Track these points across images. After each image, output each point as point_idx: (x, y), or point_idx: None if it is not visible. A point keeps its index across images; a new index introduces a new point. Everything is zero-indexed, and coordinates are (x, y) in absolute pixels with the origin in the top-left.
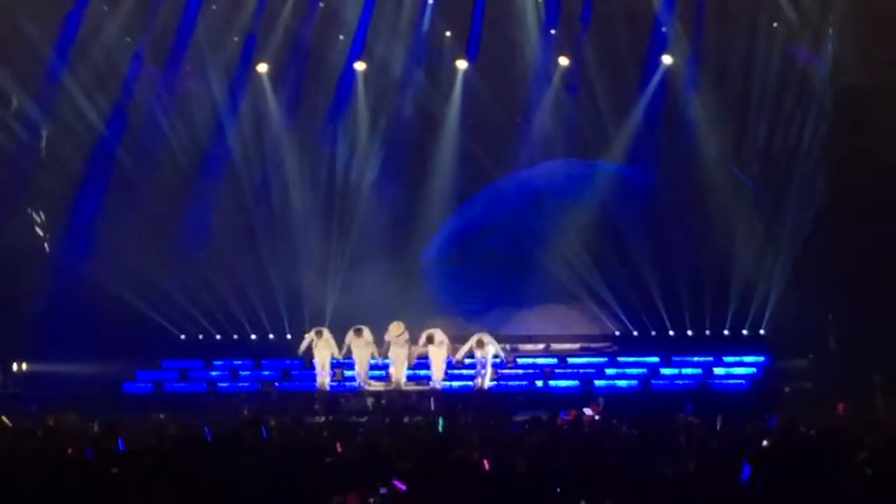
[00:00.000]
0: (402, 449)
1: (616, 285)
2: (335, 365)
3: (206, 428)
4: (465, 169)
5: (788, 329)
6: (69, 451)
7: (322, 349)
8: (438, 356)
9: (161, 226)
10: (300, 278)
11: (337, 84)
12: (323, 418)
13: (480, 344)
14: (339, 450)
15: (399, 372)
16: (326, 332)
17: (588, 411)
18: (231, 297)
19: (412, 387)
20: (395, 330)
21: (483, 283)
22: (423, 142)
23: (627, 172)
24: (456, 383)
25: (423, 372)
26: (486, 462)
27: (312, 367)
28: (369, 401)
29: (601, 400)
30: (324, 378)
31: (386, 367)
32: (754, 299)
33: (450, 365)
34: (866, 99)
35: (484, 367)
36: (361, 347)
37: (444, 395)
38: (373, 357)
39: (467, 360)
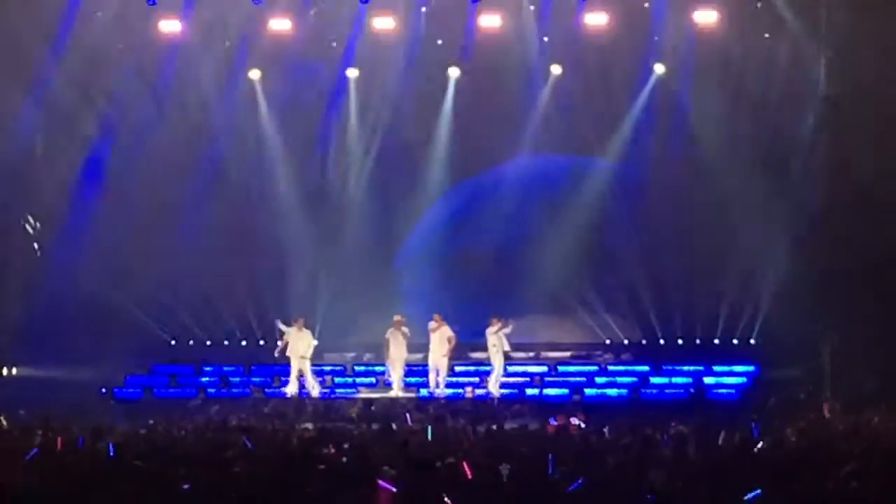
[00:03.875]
0: (391, 456)
1: (606, 293)
2: (319, 373)
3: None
4: (457, 176)
5: (779, 338)
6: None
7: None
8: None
9: (152, 231)
10: (291, 284)
11: (329, 91)
12: (312, 425)
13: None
14: (331, 456)
15: (397, 376)
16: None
17: (574, 420)
18: (222, 303)
19: (405, 394)
20: (397, 318)
21: (468, 289)
22: (414, 149)
23: (613, 170)
24: (448, 390)
25: (412, 379)
26: (467, 469)
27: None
28: (358, 408)
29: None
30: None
31: (375, 373)
32: (745, 308)
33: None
34: (859, 108)
35: (498, 373)
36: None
37: (433, 402)
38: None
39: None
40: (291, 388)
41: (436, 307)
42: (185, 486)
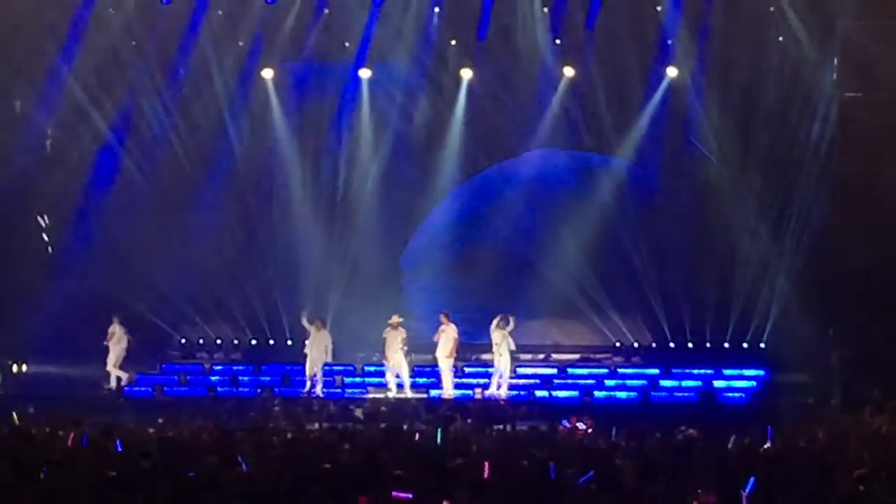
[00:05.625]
0: (399, 457)
1: (615, 294)
2: (329, 373)
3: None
4: (469, 176)
5: (789, 343)
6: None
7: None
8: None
9: (164, 229)
10: (301, 283)
11: (341, 90)
12: (319, 425)
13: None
14: (339, 456)
15: (402, 377)
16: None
17: (581, 424)
18: (232, 302)
19: (413, 394)
20: (395, 320)
21: (477, 289)
22: (426, 150)
23: (624, 171)
24: (457, 391)
25: (422, 380)
26: (486, 467)
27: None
28: (367, 408)
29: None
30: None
31: (383, 373)
32: (755, 312)
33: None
34: (871, 112)
35: (501, 375)
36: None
37: (442, 403)
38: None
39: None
40: (306, 388)
41: (444, 307)
42: (191, 475)
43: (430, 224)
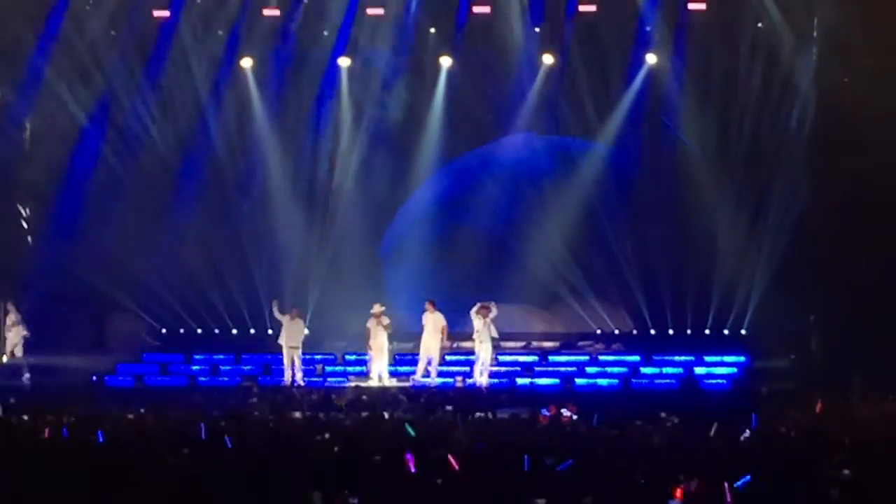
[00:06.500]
0: (379, 446)
1: (596, 281)
2: (310, 361)
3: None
4: (448, 163)
5: (770, 329)
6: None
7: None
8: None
9: (144, 219)
10: (282, 273)
11: (321, 79)
12: (300, 414)
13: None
14: (320, 445)
15: (380, 366)
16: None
17: (566, 411)
18: (213, 291)
19: (394, 382)
20: (377, 309)
21: (457, 276)
22: (406, 138)
23: (604, 158)
24: (438, 379)
25: (405, 368)
26: (454, 461)
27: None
28: (347, 397)
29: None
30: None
31: (366, 361)
32: (736, 299)
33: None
34: (850, 101)
35: (483, 363)
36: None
37: (424, 391)
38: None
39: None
40: (286, 377)
41: (424, 294)
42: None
43: (407, 210)
